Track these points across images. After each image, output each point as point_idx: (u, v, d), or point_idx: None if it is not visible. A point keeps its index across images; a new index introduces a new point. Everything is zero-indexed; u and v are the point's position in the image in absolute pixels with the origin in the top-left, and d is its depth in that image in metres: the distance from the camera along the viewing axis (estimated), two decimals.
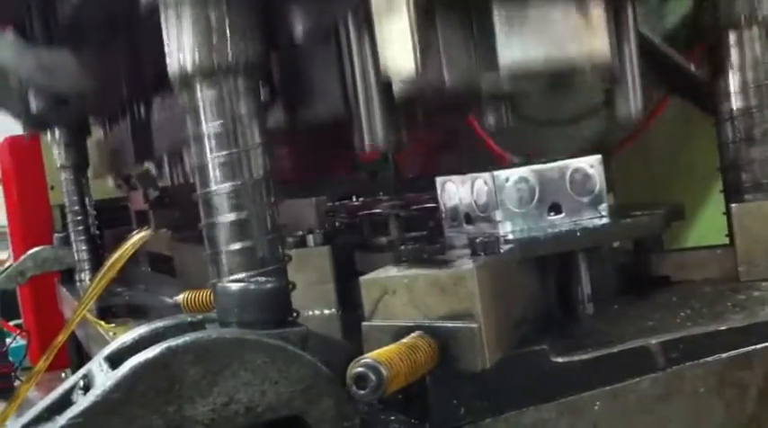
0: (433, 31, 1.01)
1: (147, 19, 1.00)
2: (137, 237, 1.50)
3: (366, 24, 1.02)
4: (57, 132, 2.19)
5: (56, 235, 2.53)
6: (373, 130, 1.05)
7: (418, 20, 0.95)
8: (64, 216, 2.40)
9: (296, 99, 1.21)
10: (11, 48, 1.25)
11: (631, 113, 1.14)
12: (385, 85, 1.01)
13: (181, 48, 0.94)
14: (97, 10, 1.11)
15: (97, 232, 2.29)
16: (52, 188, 3.12)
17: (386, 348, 0.78)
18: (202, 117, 0.95)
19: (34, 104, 1.95)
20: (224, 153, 0.94)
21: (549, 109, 1.75)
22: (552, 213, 1.13)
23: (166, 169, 1.79)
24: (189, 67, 0.94)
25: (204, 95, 0.95)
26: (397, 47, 0.97)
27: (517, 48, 1.03)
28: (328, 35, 1.12)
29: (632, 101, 1.13)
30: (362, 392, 0.75)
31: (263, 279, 0.88)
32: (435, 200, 1.24)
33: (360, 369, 0.75)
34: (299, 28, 1.09)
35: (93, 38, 1.33)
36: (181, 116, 1.00)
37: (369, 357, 0.75)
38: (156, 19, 0.96)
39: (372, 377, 0.74)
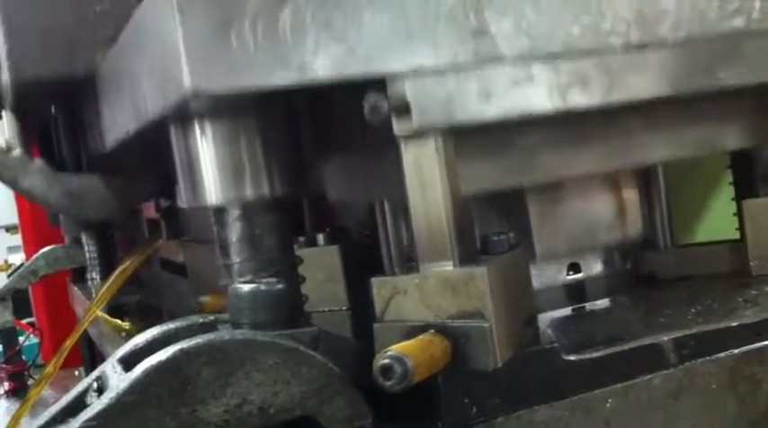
0: None
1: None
2: (147, 248, 1.52)
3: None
4: None
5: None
6: None
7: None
8: None
9: None
10: (40, 175, 1.24)
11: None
12: None
13: None
14: (130, 145, 1.09)
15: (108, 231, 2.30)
16: None
17: (405, 343, 0.79)
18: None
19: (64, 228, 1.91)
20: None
21: None
22: None
23: None
24: None
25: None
26: None
27: (551, 240, 1.11)
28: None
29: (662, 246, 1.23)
30: (389, 383, 0.75)
31: (275, 279, 0.88)
32: None
33: (386, 360, 0.76)
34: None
35: (125, 167, 1.31)
36: None
37: (394, 349, 0.77)
38: None
39: (398, 368, 0.75)
